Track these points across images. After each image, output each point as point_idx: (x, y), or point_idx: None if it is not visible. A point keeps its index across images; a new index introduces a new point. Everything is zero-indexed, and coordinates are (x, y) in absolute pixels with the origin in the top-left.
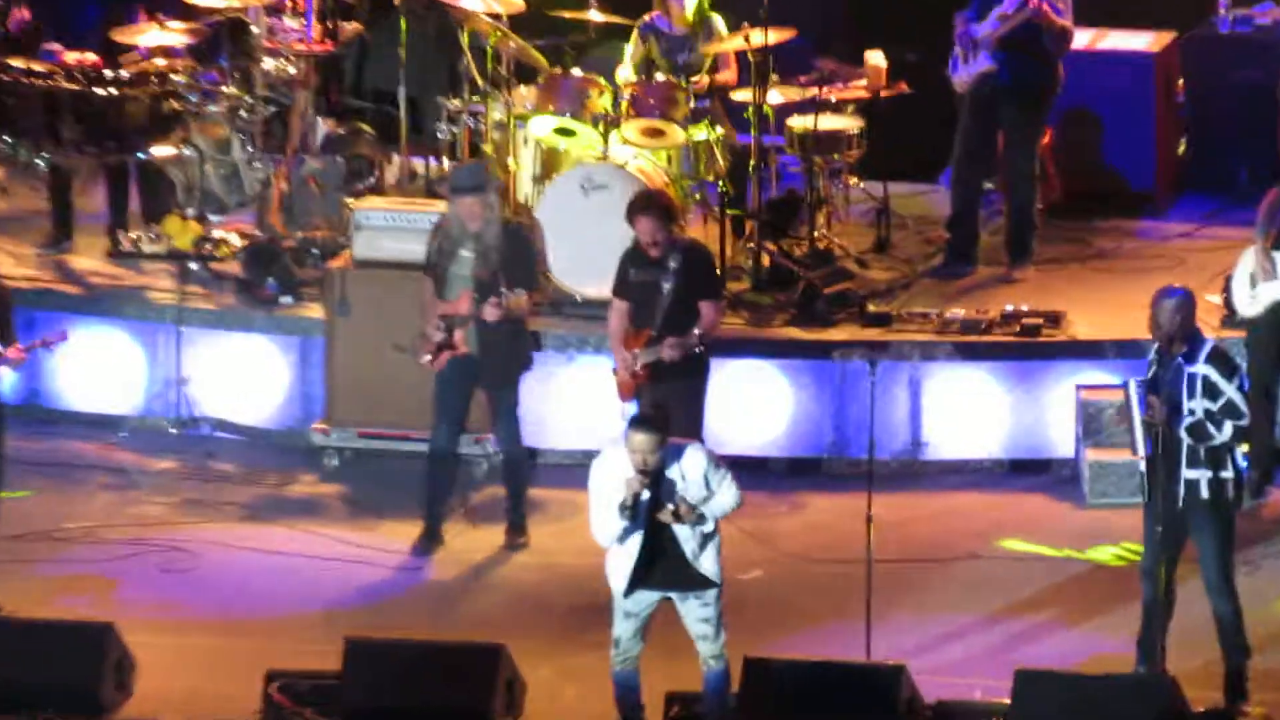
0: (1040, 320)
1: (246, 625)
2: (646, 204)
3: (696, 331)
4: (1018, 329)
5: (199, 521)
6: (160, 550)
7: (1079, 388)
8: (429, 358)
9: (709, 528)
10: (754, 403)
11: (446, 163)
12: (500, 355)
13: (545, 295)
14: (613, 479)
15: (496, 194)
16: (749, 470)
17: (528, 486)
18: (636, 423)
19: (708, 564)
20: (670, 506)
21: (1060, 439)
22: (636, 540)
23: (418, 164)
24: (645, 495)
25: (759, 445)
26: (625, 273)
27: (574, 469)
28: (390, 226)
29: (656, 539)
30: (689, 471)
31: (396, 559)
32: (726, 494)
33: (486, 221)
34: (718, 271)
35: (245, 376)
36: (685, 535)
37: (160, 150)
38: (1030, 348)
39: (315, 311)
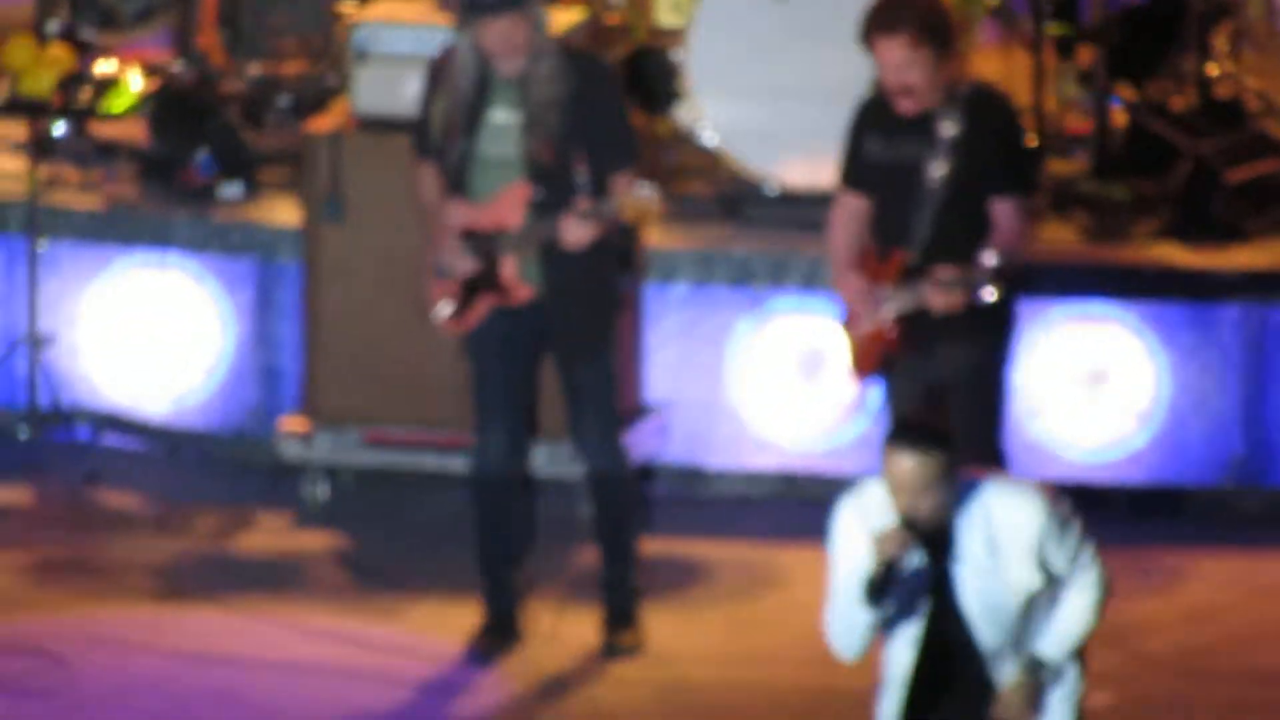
0: None
1: None
2: (893, 16)
3: (989, 259)
4: None
5: (75, 602)
6: (3, 657)
7: None
8: (448, 310)
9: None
10: (1091, 384)
11: None
12: (583, 300)
13: (693, 181)
14: (861, 544)
15: (542, 4)
16: (1081, 506)
17: (634, 533)
18: (899, 435)
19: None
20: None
21: None
22: (906, 648)
23: None
24: (913, 563)
25: (1099, 463)
26: (859, 145)
27: (753, 506)
28: (421, 55)
29: (940, 648)
30: (1005, 531)
31: (434, 668)
32: (1082, 588)
33: (535, 55)
34: (1028, 141)
35: (155, 334)
36: (994, 641)
37: None
38: None
39: (284, 214)
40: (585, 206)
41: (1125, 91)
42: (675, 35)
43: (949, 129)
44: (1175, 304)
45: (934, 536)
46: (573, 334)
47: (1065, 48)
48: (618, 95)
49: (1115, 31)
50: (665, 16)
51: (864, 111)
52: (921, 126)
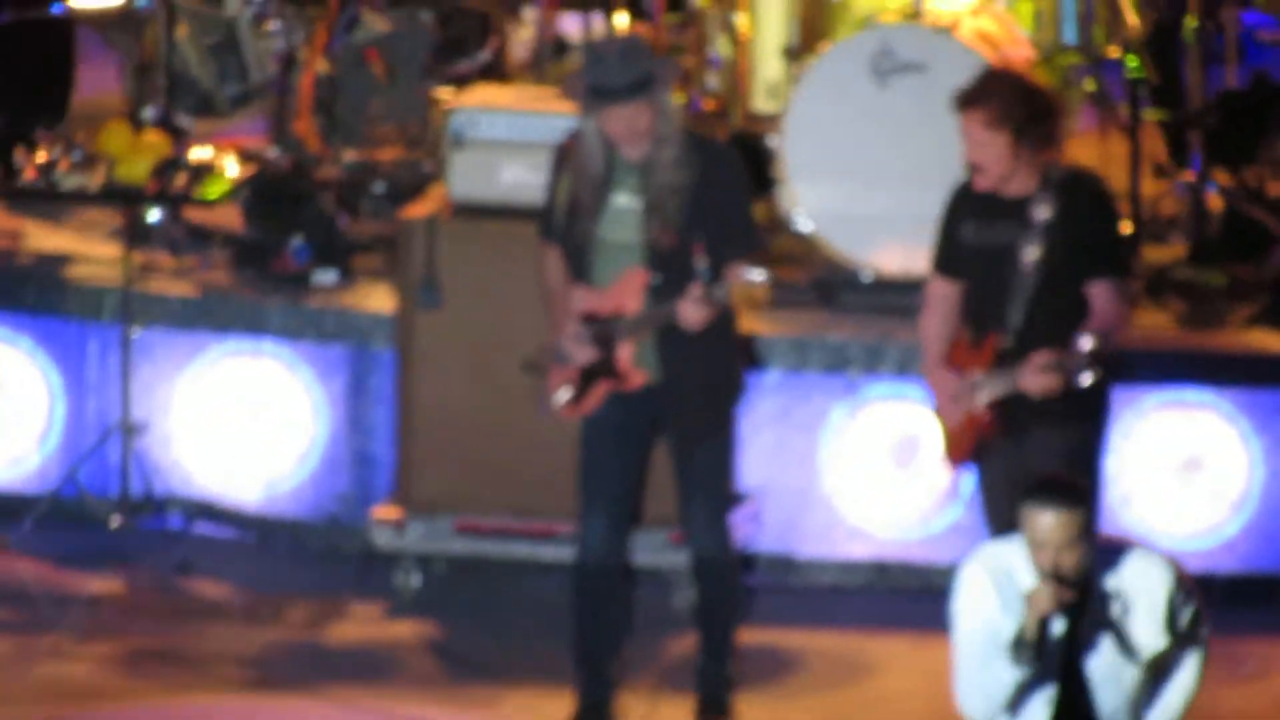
0: None
1: None
2: (978, 91)
3: (1086, 342)
4: None
5: (164, 693)
6: None
7: None
8: (567, 396)
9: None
10: (1185, 471)
11: (620, 22)
12: (698, 385)
13: (789, 268)
14: (994, 604)
15: (671, 90)
16: None
17: (735, 623)
18: (1041, 493)
19: None
20: None
21: None
22: (1042, 710)
23: (569, 26)
24: (1061, 624)
25: (1192, 551)
26: (955, 228)
27: (846, 595)
28: (516, 141)
29: (1072, 712)
30: (1140, 595)
31: None
32: (1191, 667)
33: (659, 141)
34: (1123, 226)
35: (248, 423)
36: (1113, 707)
37: (89, 1)
38: None
39: (378, 300)
40: (699, 291)
41: (1222, 177)
42: (771, 120)
43: (1043, 213)
44: (1270, 390)
45: (1081, 592)
46: (689, 418)
47: (1166, 133)
48: (741, 183)
49: (1213, 116)
50: (761, 102)
51: (959, 196)
52: (1016, 210)
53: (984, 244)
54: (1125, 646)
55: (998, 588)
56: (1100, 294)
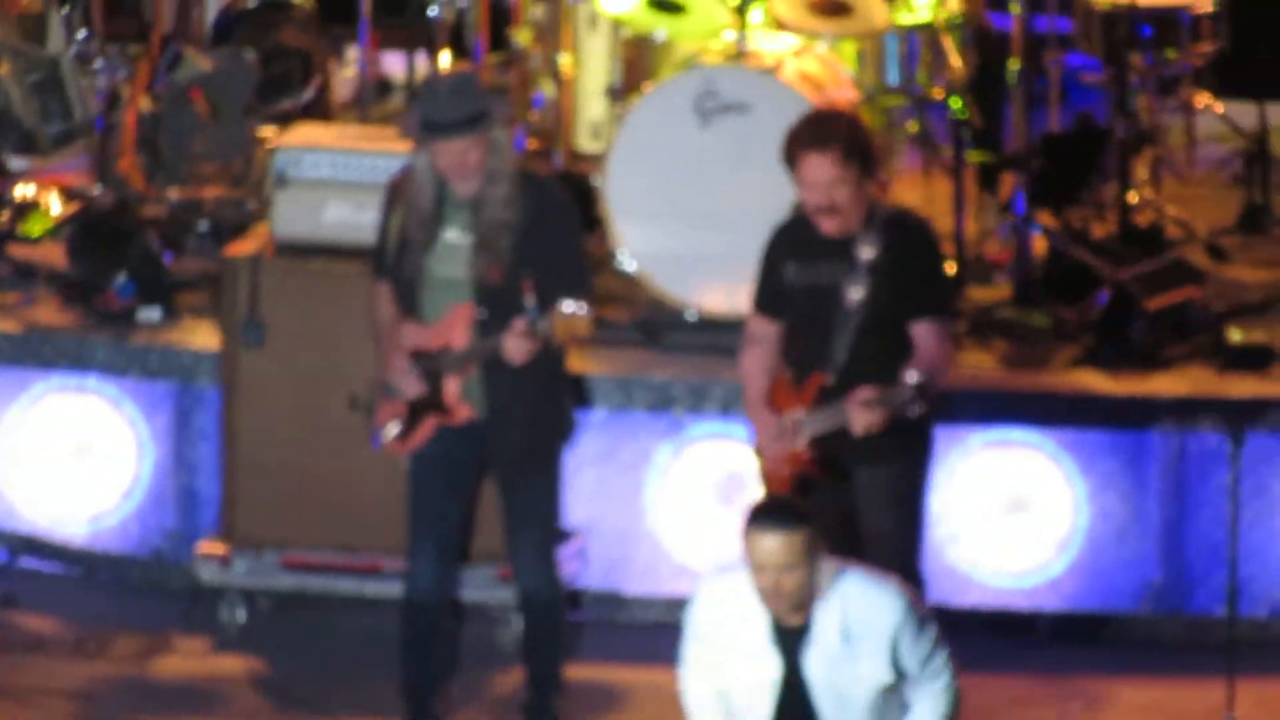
0: None
1: None
2: (821, 133)
3: (911, 376)
4: None
5: None
6: None
7: None
8: (395, 431)
9: None
10: (1010, 510)
11: (444, 61)
12: (524, 420)
13: (613, 307)
14: (723, 624)
15: (505, 126)
16: (1000, 633)
17: (561, 658)
18: (762, 515)
19: None
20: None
21: None
22: None
23: (391, 65)
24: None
25: (1018, 589)
26: (777, 268)
27: (672, 631)
28: (340, 180)
29: None
30: (860, 621)
31: None
32: (933, 696)
33: (491, 177)
34: (948, 266)
35: (73, 457)
36: None
37: None
38: None
39: (203, 337)
40: (522, 326)
41: (1045, 218)
42: (595, 160)
43: (868, 252)
44: (1094, 431)
45: (792, 621)
46: (514, 454)
47: (987, 175)
48: (573, 224)
49: (1037, 158)
50: (585, 141)
51: (780, 236)
52: (840, 250)
53: (808, 283)
54: (849, 671)
55: (733, 609)
56: (924, 333)
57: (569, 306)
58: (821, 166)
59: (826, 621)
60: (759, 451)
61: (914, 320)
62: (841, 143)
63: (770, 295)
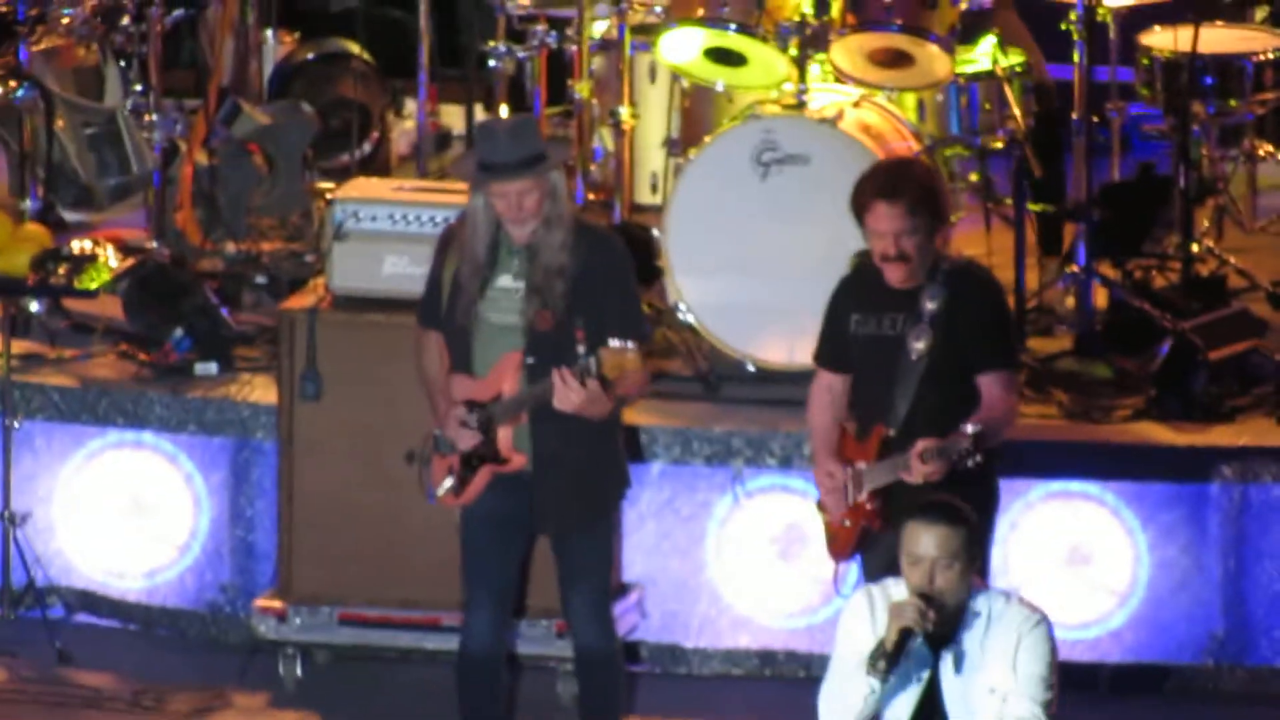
0: None
1: None
2: (891, 182)
3: (971, 428)
4: None
5: None
6: None
7: None
8: (448, 485)
9: None
10: (1071, 562)
11: (503, 114)
12: (574, 472)
13: (673, 360)
14: (868, 626)
15: (563, 172)
16: (1062, 685)
17: (619, 713)
18: (924, 511)
19: None
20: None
21: None
22: None
23: (450, 115)
24: (918, 639)
25: (1079, 641)
26: (842, 321)
27: (732, 684)
28: (397, 233)
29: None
30: (999, 634)
31: None
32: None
33: (547, 223)
34: (1012, 319)
35: (129, 513)
36: None
37: None
38: None
39: (260, 392)
40: (569, 372)
41: (1108, 269)
42: (654, 212)
43: (932, 303)
44: (1155, 482)
45: (947, 616)
46: (564, 506)
47: (1049, 226)
48: (626, 271)
49: (1099, 208)
50: (645, 193)
51: (845, 288)
52: (905, 301)
53: (870, 334)
54: (981, 679)
55: (873, 612)
56: (989, 385)
57: (617, 342)
58: (891, 217)
59: (970, 630)
60: (821, 506)
61: (979, 372)
62: (912, 192)
63: (834, 349)
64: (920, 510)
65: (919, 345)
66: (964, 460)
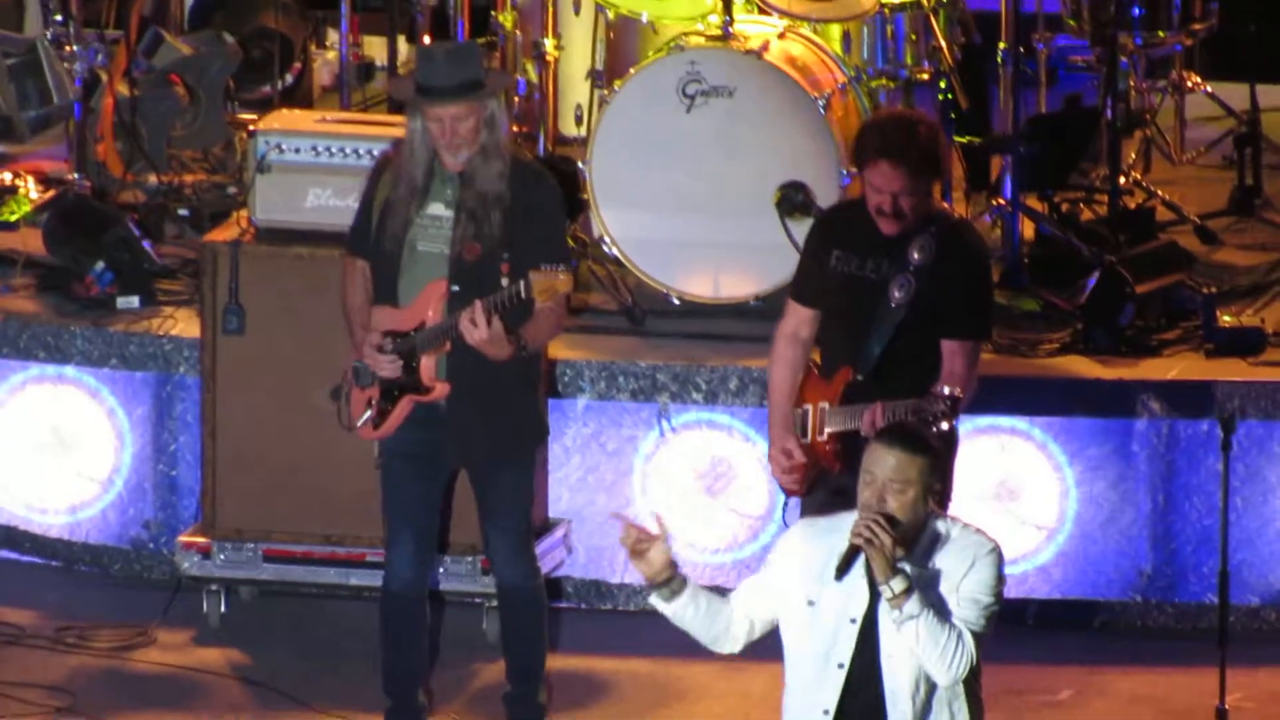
0: None
1: None
2: (895, 145)
3: (947, 390)
4: None
5: None
6: None
7: None
8: (367, 416)
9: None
10: (999, 497)
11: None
12: (493, 407)
13: (598, 293)
14: (800, 550)
15: (502, 100)
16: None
17: (542, 649)
18: (889, 433)
19: None
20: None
21: None
22: (824, 665)
23: (373, 46)
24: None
25: (1007, 576)
26: (822, 256)
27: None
28: (321, 165)
29: (862, 669)
30: (957, 563)
31: None
32: (963, 634)
33: (484, 153)
34: (992, 290)
35: (51, 448)
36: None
37: None
38: None
39: (182, 325)
40: (480, 305)
41: (1034, 201)
42: (579, 145)
43: (919, 255)
44: (1083, 417)
45: (901, 533)
46: (479, 437)
47: (975, 159)
48: (559, 212)
49: (1026, 140)
50: (569, 126)
51: (826, 224)
52: (891, 247)
53: (851, 275)
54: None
55: (814, 537)
56: (954, 353)
57: (548, 266)
58: (893, 177)
59: (916, 557)
60: (772, 460)
61: (948, 337)
62: (917, 155)
63: (813, 283)
64: (886, 430)
65: (899, 295)
66: (936, 422)
